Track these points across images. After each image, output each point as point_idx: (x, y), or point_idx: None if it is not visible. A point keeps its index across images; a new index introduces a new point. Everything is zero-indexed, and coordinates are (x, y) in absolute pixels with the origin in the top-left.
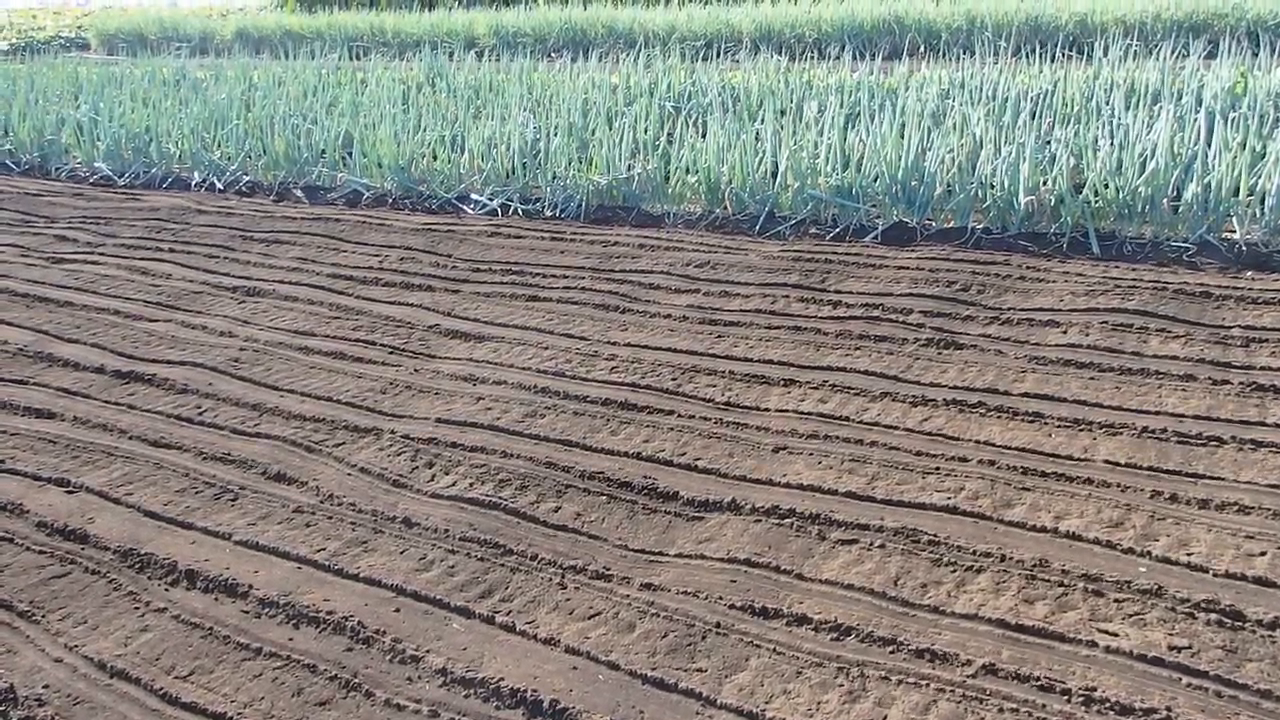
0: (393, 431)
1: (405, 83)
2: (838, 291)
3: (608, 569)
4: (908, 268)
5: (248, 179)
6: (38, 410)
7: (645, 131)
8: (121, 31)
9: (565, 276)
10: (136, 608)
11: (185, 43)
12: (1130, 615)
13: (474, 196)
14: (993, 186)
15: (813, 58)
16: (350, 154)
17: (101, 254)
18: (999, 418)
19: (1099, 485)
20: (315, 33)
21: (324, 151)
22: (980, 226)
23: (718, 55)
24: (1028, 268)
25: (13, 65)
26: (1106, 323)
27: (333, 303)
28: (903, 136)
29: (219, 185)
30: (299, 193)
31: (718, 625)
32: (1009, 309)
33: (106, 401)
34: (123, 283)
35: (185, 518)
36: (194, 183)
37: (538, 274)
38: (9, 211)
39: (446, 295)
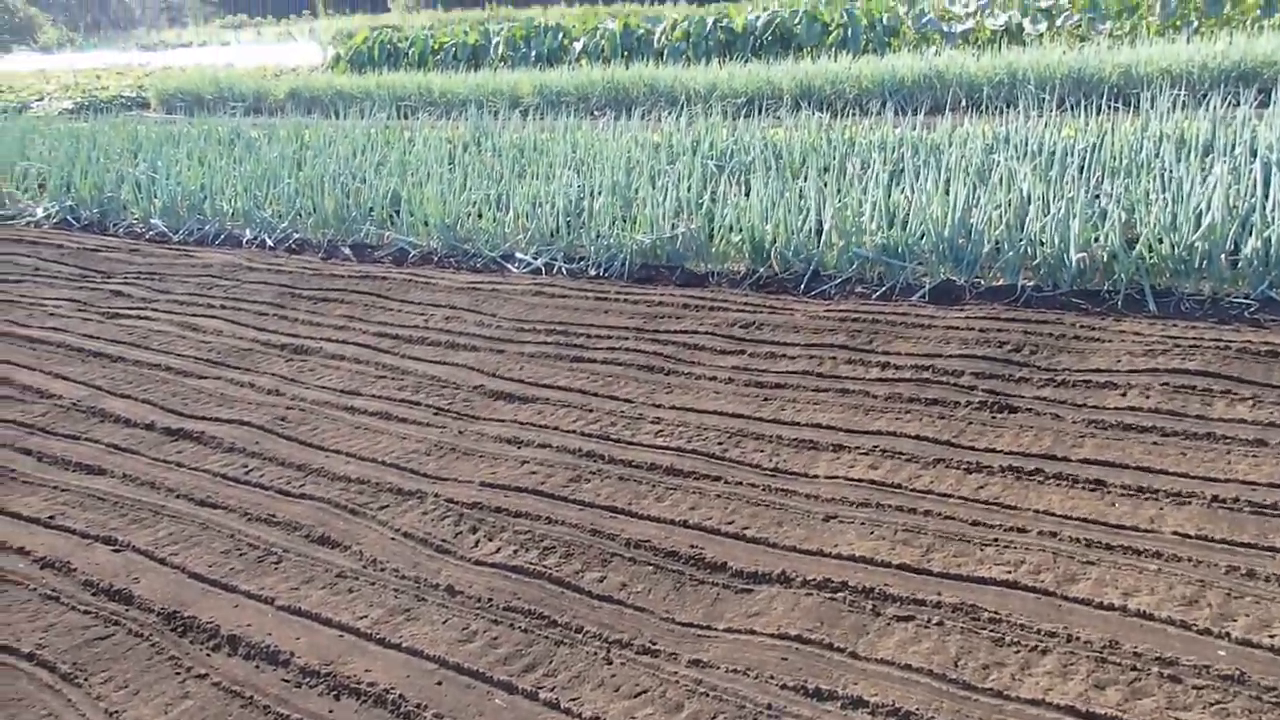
0: (437, 495)
1: (451, 142)
2: (886, 353)
3: (654, 643)
4: (957, 328)
5: (297, 236)
6: (88, 466)
7: (688, 190)
8: (180, 91)
9: (609, 337)
10: (178, 673)
11: (240, 102)
12: (1211, 704)
13: (518, 255)
14: (1042, 243)
15: (854, 114)
16: (398, 212)
17: (154, 309)
18: (1058, 485)
19: (1169, 559)
20: (365, 92)
21: (372, 210)
22: (1031, 284)
23: (759, 112)
24: (1082, 327)
25: (77, 124)
26: (1168, 384)
27: (378, 361)
28: (948, 193)
29: (270, 242)
30: (347, 250)
31: (769, 707)
32: (1064, 370)
33: (155, 459)
34: (174, 338)
35: (229, 580)
36: (246, 239)
37: (582, 334)
38: (68, 266)
39: (491, 355)
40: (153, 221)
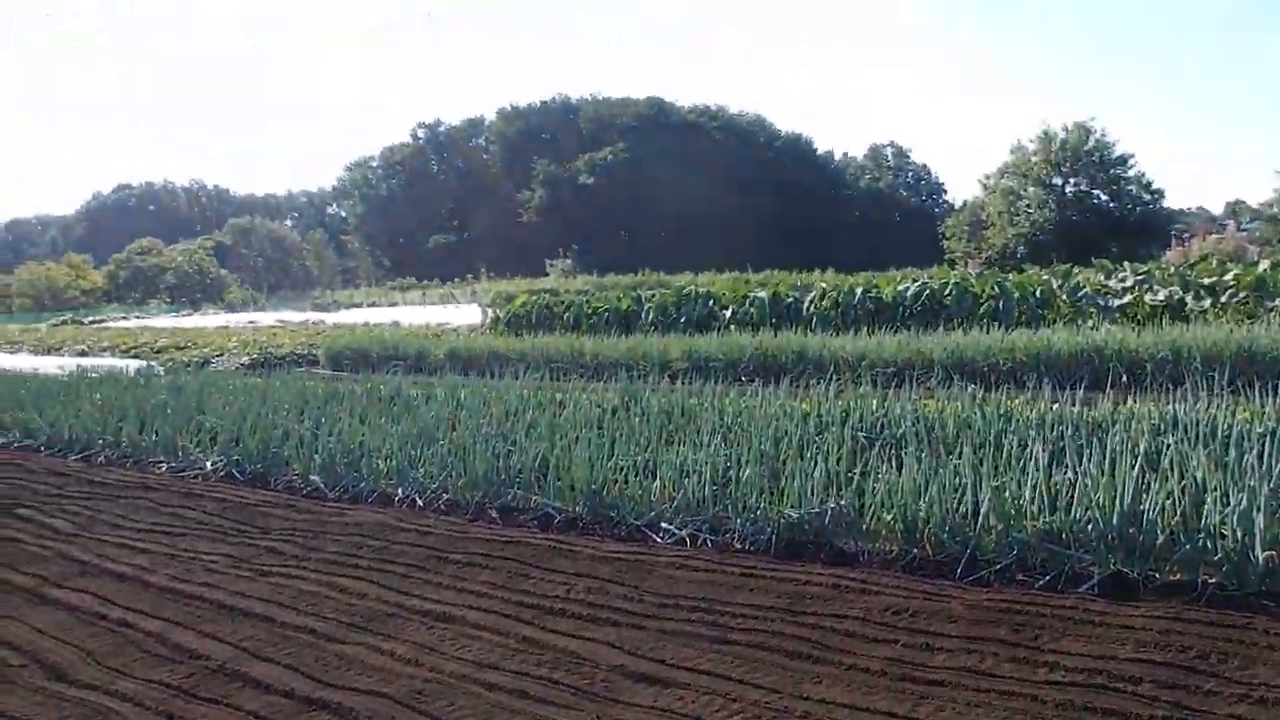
0: None
1: (601, 405)
2: (1053, 651)
3: None
4: (1132, 628)
5: (447, 497)
6: None
7: (838, 463)
8: (348, 349)
9: (755, 617)
10: None
11: (402, 360)
12: None
13: (663, 525)
14: (1223, 536)
15: (1008, 386)
16: (545, 475)
17: (304, 568)
18: None
19: None
20: (520, 354)
21: (520, 472)
22: (1213, 581)
23: (909, 383)
24: (1276, 634)
25: (252, 379)
26: None
27: (519, 634)
28: (1114, 476)
29: (419, 502)
30: (494, 513)
31: None
32: (1261, 684)
33: None
34: (321, 600)
35: None
36: (397, 499)
37: (726, 613)
38: (228, 521)
39: (632, 632)
40: (311, 478)
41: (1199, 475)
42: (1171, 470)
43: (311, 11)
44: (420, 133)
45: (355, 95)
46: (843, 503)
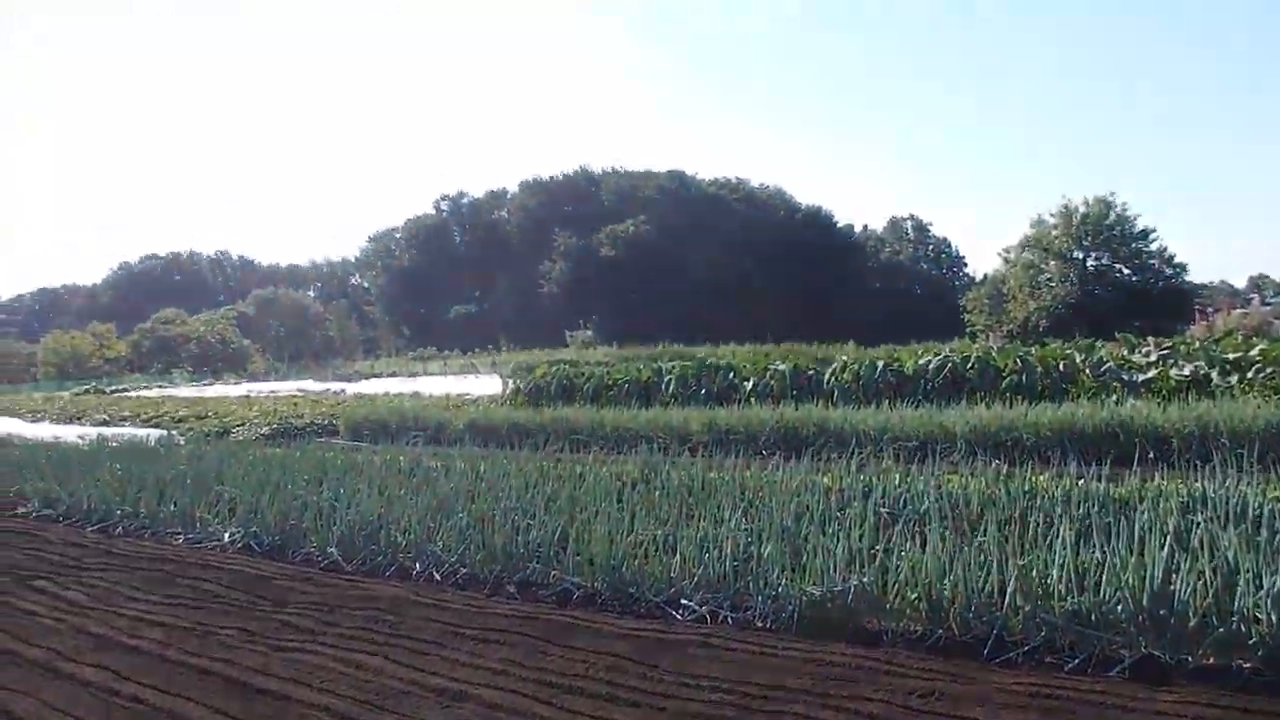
0: None
1: (621, 479)
2: None
3: None
4: (1167, 714)
5: (465, 571)
6: None
7: (860, 539)
8: (368, 420)
9: (777, 699)
10: None
11: (422, 431)
12: None
13: (683, 601)
14: (1257, 620)
15: (1032, 462)
16: (564, 549)
17: (320, 643)
18: None
19: None
20: (539, 426)
21: (540, 546)
22: (1248, 666)
23: (931, 457)
24: None
25: (272, 449)
26: None
27: (536, 713)
28: (1143, 555)
29: (437, 576)
30: (512, 588)
31: None
32: None
33: None
34: (336, 676)
35: None
36: (415, 572)
37: (747, 694)
38: (244, 594)
39: (652, 713)
40: (329, 550)
41: (1230, 555)
42: (1202, 550)
43: (339, 84)
44: (443, 204)
45: (380, 166)
46: (866, 580)
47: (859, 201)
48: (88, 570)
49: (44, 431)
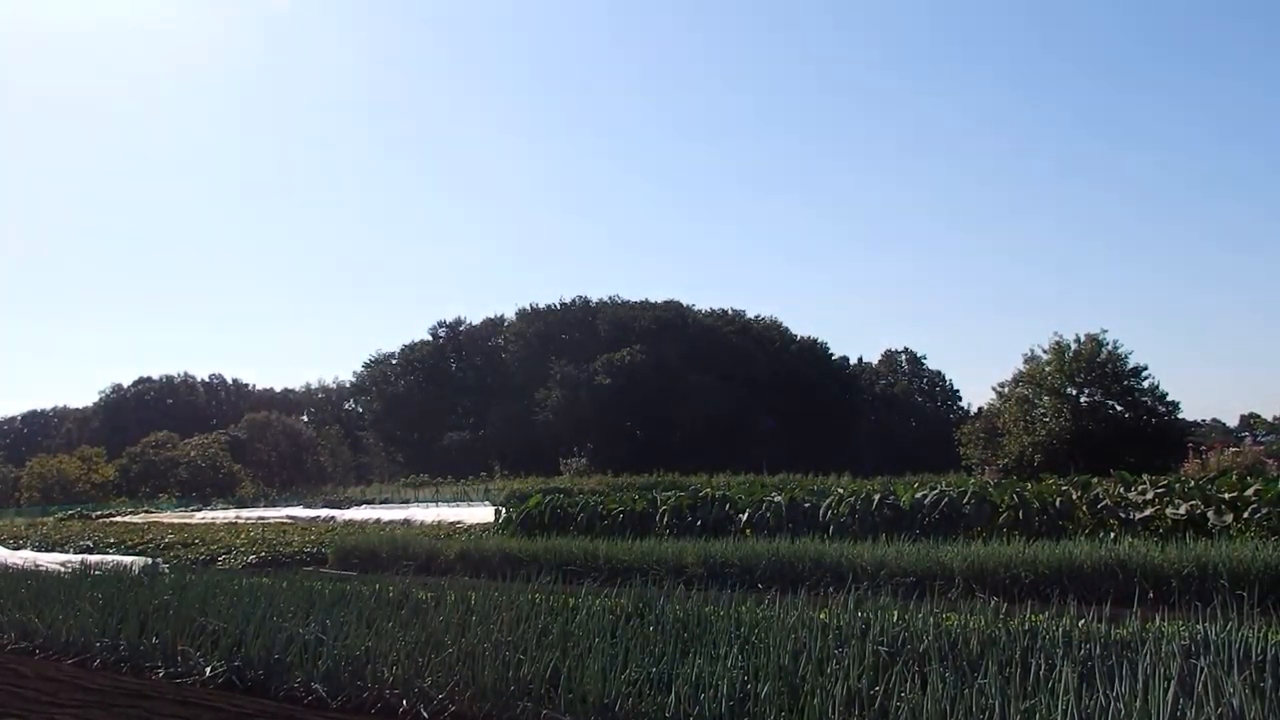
0: None
1: (614, 612)
2: None
3: None
4: None
5: (454, 709)
6: None
7: (859, 679)
8: (357, 549)
9: None
10: None
11: (412, 560)
12: None
13: None
14: None
15: (1031, 600)
16: (556, 686)
17: None
18: None
19: None
20: (532, 556)
21: (531, 683)
22: None
23: (930, 594)
24: None
25: (258, 579)
26: None
27: None
28: (1147, 701)
29: (425, 713)
30: None
31: None
32: None
33: None
34: None
35: None
36: (401, 709)
37: None
38: None
39: None
40: (314, 685)
41: (1235, 703)
42: (1207, 696)
43: (338, 210)
44: (440, 331)
45: (377, 293)
46: None
47: (855, 333)
48: (62, 707)
49: (25, 559)
